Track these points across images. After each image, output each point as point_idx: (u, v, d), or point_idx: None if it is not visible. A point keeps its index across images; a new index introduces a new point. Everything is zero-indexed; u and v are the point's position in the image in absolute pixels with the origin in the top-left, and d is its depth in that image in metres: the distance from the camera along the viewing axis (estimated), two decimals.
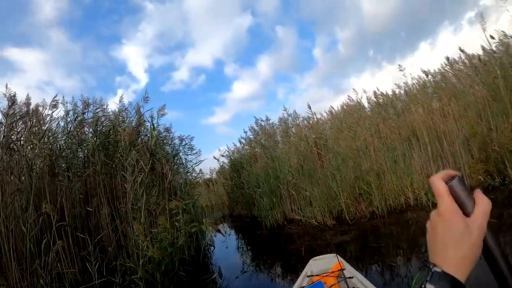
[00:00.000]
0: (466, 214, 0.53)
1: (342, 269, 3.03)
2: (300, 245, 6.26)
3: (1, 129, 5.63)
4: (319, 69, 34.97)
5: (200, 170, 16.02)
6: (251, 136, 11.73)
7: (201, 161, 8.67)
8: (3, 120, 5.64)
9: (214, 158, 13.61)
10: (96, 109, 7.37)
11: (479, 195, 0.55)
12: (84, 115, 7.18)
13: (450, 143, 8.00)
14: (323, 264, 3.38)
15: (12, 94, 5.70)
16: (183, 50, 33.36)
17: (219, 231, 5.88)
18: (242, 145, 12.30)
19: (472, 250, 0.52)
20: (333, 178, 7.64)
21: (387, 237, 5.96)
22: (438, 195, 0.55)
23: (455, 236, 0.52)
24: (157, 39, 31.51)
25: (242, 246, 8.30)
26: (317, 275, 3.12)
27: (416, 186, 7.53)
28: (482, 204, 0.54)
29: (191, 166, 8.54)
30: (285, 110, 10.66)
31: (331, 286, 2.82)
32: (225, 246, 8.10)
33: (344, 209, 7.39)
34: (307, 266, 3.44)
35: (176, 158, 8.13)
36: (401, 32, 30.31)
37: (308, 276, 3.21)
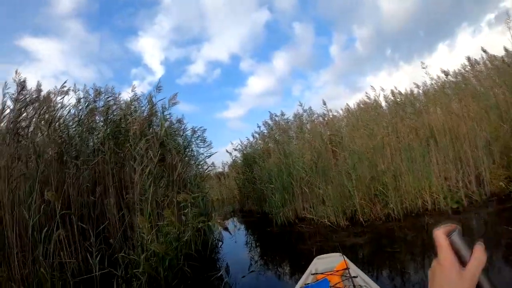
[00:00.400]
0: (464, 264, 0.59)
1: (346, 268, 3.02)
2: (311, 245, 5.92)
3: (10, 115, 5.45)
4: (335, 67, 34.34)
5: (212, 163, 15.88)
6: (265, 131, 11.41)
7: (212, 153, 8.38)
8: (11, 106, 5.47)
9: (227, 151, 13.34)
10: (108, 97, 7.15)
11: (476, 248, 0.59)
12: (96, 103, 6.98)
13: (470, 146, 7.54)
14: (327, 262, 3.38)
15: (22, 80, 5.48)
16: (199, 44, 33.12)
17: (226, 229, 5.55)
18: (255, 139, 12.00)
19: None
20: (348, 177, 7.26)
21: (403, 242, 5.57)
22: (439, 246, 0.61)
23: (450, 284, 0.58)
24: (174, 32, 31.33)
25: (251, 242, 7.99)
26: (322, 273, 3.15)
27: (435, 189, 7.09)
28: (477, 256, 0.58)
29: (203, 159, 8.29)
30: (301, 106, 10.28)
31: (336, 284, 2.84)
32: (234, 241, 7.81)
33: (359, 210, 7.02)
34: (311, 264, 3.44)
35: (187, 150, 7.87)
36: (419, 32, 29.44)
37: (312, 274, 3.23)
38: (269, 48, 34.83)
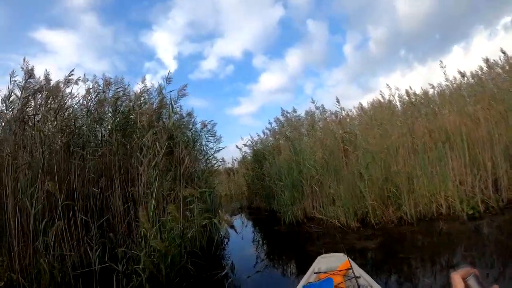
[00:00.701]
0: None
1: (349, 268, 3.02)
2: (320, 247, 5.60)
3: (17, 103, 5.29)
4: (348, 66, 33.76)
5: (222, 158, 15.63)
6: (276, 128, 11.12)
7: (221, 148, 8.15)
8: (18, 94, 5.30)
9: (237, 147, 13.07)
10: (118, 88, 6.97)
11: None
12: (105, 94, 6.81)
13: (487, 150, 7.16)
14: (330, 262, 3.37)
15: (29, 68, 5.30)
16: (213, 40, 32.90)
17: (232, 227, 5.30)
18: (266, 135, 11.72)
19: None
20: (361, 177, 6.95)
21: (416, 248, 5.25)
22: None
23: None
24: (188, 27, 31.16)
25: (258, 240, 7.73)
26: (325, 273, 3.14)
27: (450, 194, 6.74)
28: None
29: (211, 154, 8.06)
30: (313, 103, 9.96)
31: (338, 284, 2.83)
32: (241, 238, 7.56)
33: (370, 211, 6.69)
34: (314, 263, 3.42)
35: (196, 143, 7.66)
36: (434, 34, 28.71)
37: (315, 273, 3.22)
38: (282, 45, 34.45)
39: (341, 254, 3.48)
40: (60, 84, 6.17)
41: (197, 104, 25.22)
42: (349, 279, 2.92)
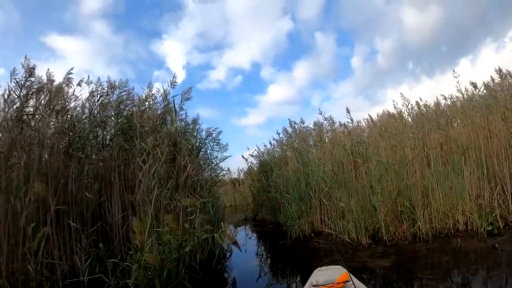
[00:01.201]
0: None
1: (348, 281, 2.95)
2: (328, 264, 5.13)
3: (15, 100, 5.01)
4: (355, 79, 33.29)
5: (228, 168, 15.25)
6: (284, 139, 10.69)
7: (227, 157, 7.75)
8: (17, 92, 5.01)
9: (242, 157, 12.65)
10: (121, 92, 6.67)
11: None
12: (109, 97, 6.51)
13: (504, 163, 6.66)
14: (328, 274, 3.29)
15: (30, 66, 5.09)
16: (221, 50, 32.80)
17: (235, 243, 4.83)
18: (272, 146, 11.28)
19: None
20: (373, 190, 6.47)
21: (433, 267, 4.70)
22: None
23: None
24: (197, 37, 31.12)
25: (262, 255, 7.19)
26: (323, 285, 3.09)
27: (468, 208, 6.21)
28: None
29: (216, 163, 7.67)
30: (321, 114, 9.47)
31: None
32: (244, 251, 7.09)
33: (383, 227, 6.17)
34: (312, 276, 3.34)
35: (200, 151, 7.27)
36: (442, 46, 28.22)
37: (313, 286, 3.17)
38: (290, 57, 34.17)
39: (339, 267, 3.42)
40: (64, 85, 5.96)
41: (205, 114, 24.92)
42: None
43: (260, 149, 11.94)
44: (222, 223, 5.86)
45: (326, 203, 7.30)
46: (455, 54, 27.07)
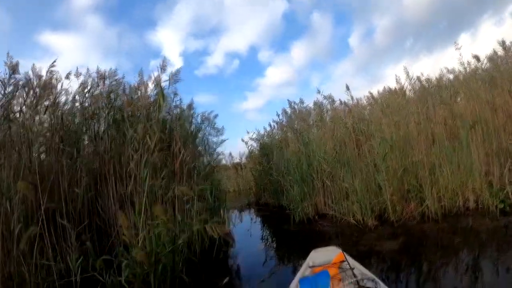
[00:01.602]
0: None
1: (343, 261, 2.98)
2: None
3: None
4: (354, 58, 32.67)
5: (230, 153, 15.02)
6: (284, 120, 10.32)
7: (224, 140, 7.46)
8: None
9: (242, 140, 12.31)
10: (112, 82, 6.35)
11: None
12: (99, 88, 6.21)
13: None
14: (324, 255, 3.29)
15: (13, 63, 4.80)
16: (217, 35, 32.27)
17: (227, 235, 4.53)
18: (272, 128, 10.91)
19: None
20: (377, 169, 6.15)
21: (445, 249, 4.40)
22: None
23: None
24: (192, 23, 30.58)
25: (265, 241, 6.82)
26: (319, 266, 3.11)
27: (478, 186, 5.89)
28: None
29: (214, 148, 7.38)
30: (319, 93, 9.04)
31: (334, 276, 2.80)
32: (248, 238, 6.84)
33: (389, 207, 5.86)
34: (308, 257, 3.33)
35: (197, 137, 6.95)
36: (441, 22, 27.45)
37: (310, 267, 3.17)
38: (287, 39, 33.62)
39: (335, 247, 3.39)
40: (53, 80, 5.66)
41: (204, 100, 24.65)
42: (343, 271, 2.87)
43: (260, 132, 11.59)
44: (221, 210, 5.60)
45: (329, 184, 6.99)
46: (454, 29, 26.38)
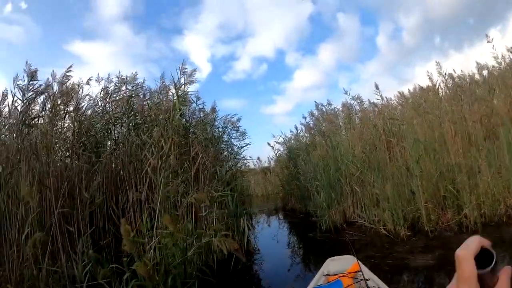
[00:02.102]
0: None
1: (359, 271, 2.75)
2: (363, 261, 4.30)
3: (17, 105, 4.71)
4: (382, 58, 31.39)
5: (258, 157, 14.67)
6: (311, 123, 9.86)
7: (246, 144, 7.13)
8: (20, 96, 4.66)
9: (268, 144, 11.92)
10: (133, 86, 6.26)
11: (503, 279, 0.42)
12: (121, 92, 6.16)
13: None
14: (340, 264, 3.16)
15: (32, 70, 4.71)
16: (244, 40, 32.12)
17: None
18: (299, 131, 10.45)
19: None
20: (410, 173, 5.57)
21: None
22: (463, 279, 0.41)
23: None
24: (218, 29, 30.63)
25: (290, 250, 6.38)
26: (334, 275, 2.99)
27: None
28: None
29: (237, 152, 7.07)
30: (346, 93, 8.52)
31: (347, 286, 2.68)
32: (271, 247, 6.43)
33: (424, 216, 5.24)
34: (323, 266, 3.23)
35: (219, 141, 6.66)
36: (469, 18, 25.83)
37: (324, 275, 3.07)
38: (314, 41, 32.81)
39: (351, 257, 3.20)
40: (76, 86, 5.67)
41: (233, 105, 24.50)
42: (358, 281, 2.72)
43: (287, 135, 11.14)
44: (241, 218, 5.22)
45: (358, 190, 6.45)
46: (482, 25, 24.65)
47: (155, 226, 3.94)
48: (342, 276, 2.88)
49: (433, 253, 4.34)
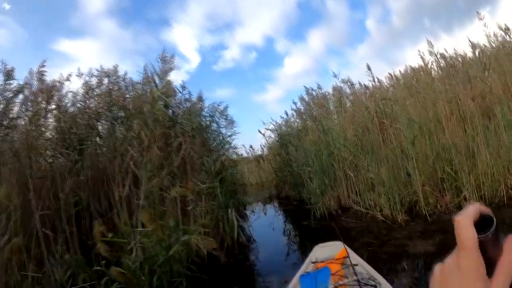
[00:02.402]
0: (489, 271, 0.35)
1: (346, 257, 2.81)
2: (360, 249, 4.03)
3: None
4: (371, 42, 30.98)
5: (251, 146, 14.34)
6: (302, 108, 9.51)
7: (237, 133, 6.86)
8: None
9: (259, 132, 11.58)
10: (116, 79, 5.94)
11: (507, 248, 0.36)
12: (103, 87, 5.82)
13: None
14: (328, 251, 3.10)
15: (9, 69, 4.51)
16: (232, 29, 31.80)
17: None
18: (290, 117, 10.08)
19: None
20: (405, 155, 5.30)
21: None
22: (463, 247, 0.36)
23: None
24: (206, 19, 30.14)
25: (284, 239, 6.02)
26: (322, 262, 2.95)
27: None
28: (508, 263, 0.35)
29: (225, 140, 6.76)
30: (336, 77, 8.17)
31: (336, 272, 2.68)
32: (266, 233, 6.17)
33: (421, 199, 4.99)
34: (311, 253, 3.16)
35: (207, 131, 6.35)
36: (457, 1, 25.48)
37: (313, 263, 3.01)
38: (302, 27, 32.60)
39: (339, 243, 3.15)
40: (56, 83, 5.34)
41: (224, 94, 24.12)
42: (346, 267, 2.73)
43: (277, 121, 10.71)
44: (229, 210, 4.93)
45: (352, 174, 6.19)
46: (473, 6, 24.31)
47: (139, 224, 3.66)
48: (330, 262, 2.87)
49: (433, 239, 4.09)
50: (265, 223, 7.34)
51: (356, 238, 4.73)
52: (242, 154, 12.35)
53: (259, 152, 14.59)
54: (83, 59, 21.92)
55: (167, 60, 5.10)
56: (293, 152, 8.13)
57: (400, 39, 30.03)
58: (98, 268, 3.33)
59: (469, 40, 6.81)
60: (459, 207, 4.75)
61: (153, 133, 4.28)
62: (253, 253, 5.21)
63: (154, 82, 4.78)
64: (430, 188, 5.07)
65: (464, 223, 0.36)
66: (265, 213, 8.99)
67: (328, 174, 6.61)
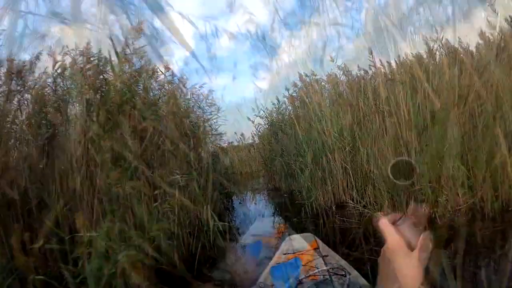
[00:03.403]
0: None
1: (317, 248, 2.82)
2: (357, 256, 3.23)
3: None
4: (367, 32, 30.15)
5: (242, 134, 13.42)
6: (294, 94, 8.58)
7: (214, 117, 5.98)
8: None
9: (248, 119, 10.55)
10: (92, 58, 4.97)
11: (422, 236, 0.62)
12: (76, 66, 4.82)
13: None
14: (299, 242, 3.07)
15: None
16: (228, 15, 30.92)
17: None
18: (281, 103, 9.14)
19: (413, 277, 0.58)
20: (410, 148, 4.41)
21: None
22: (386, 233, 0.63)
23: (400, 264, 0.59)
24: (200, 5, 29.17)
25: (270, 241, 5.04)
26: (293, 253, 2.92)
27: None
28: (424, 242, 0.61)
29: (210, 126, 5.91)
30: (332, 61, 7.21)
31: (307, 263, 2.63)
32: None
33: (431, 197, 4.13)
34: (282, 244, 3.13)
35: (189, 116, 5.48)
36: None
37: (284, 254, 2.96)
38: (299, 15, 31.53)
39: (310, 234, 3.16)
40: (27, 64, 4.34)
41: (220, 83, 23.15)
42: (317, 258, 2.64)
43: (268, 108, 9.71)
44: (206, 207, 4.01)
45: (348, 167, 5.30)
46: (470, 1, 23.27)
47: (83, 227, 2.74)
48: (301, 254, 2.87)
49: (446, 245, 3.19)
50: (253, 217, 6.44)
51: (353, 241, 3.82)
52: (232, 142, 11.56)
53: (250, 141, 13.71)
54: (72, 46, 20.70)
55: (136, 28, 4.11)
56: (283, 141, 7.22)
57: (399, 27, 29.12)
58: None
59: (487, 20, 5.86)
60: (472, 209, 3.94)
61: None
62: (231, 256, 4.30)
63: (115, 48, 3.80)
64: (438, 186, 4.17)
65: (382, 221, 0.64)
66: (255, 203, 8.18)
67: (321, 166, 5.73)
